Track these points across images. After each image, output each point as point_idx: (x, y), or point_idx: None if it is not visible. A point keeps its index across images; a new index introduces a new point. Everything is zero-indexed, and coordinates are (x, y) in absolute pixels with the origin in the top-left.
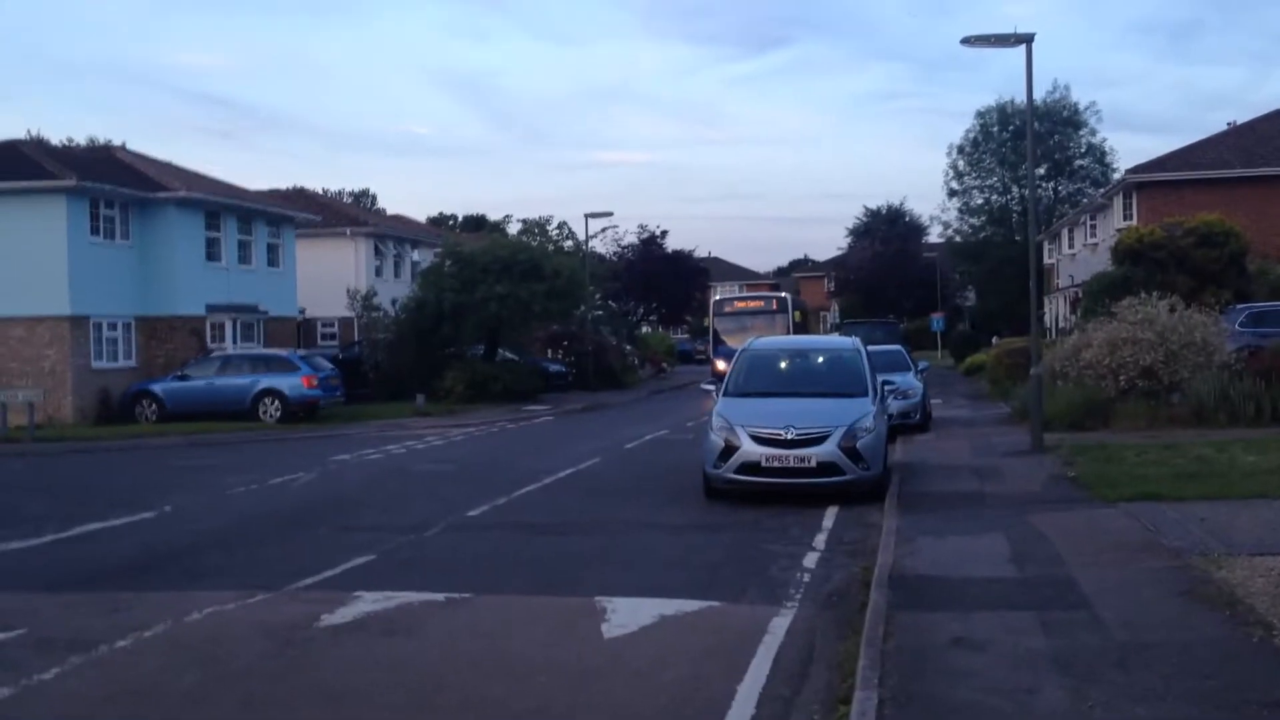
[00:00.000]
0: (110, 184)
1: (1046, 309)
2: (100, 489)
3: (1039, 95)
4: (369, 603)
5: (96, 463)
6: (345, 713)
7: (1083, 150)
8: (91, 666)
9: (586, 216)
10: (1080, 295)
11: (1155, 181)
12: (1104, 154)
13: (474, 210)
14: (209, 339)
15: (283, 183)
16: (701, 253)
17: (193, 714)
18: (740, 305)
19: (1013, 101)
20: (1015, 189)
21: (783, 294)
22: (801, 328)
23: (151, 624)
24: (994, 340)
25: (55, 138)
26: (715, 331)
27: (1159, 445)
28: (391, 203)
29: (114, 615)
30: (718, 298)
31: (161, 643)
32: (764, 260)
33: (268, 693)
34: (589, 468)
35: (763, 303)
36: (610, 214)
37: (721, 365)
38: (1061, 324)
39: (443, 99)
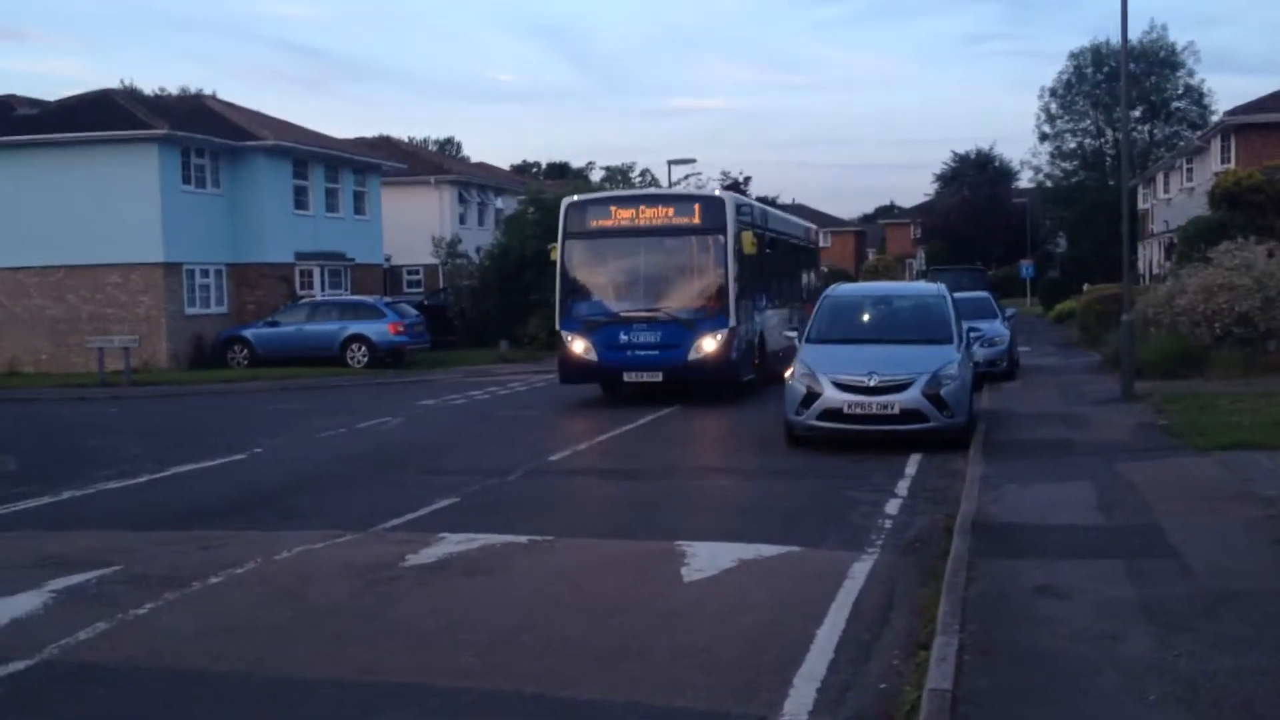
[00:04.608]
0: (201, 133)
1: (1140, 255)
2: (193, 432)
3: (1135, 35)
4: (452, 544)
5: (190, 406)
6: (430, 651)
7: (1180, 92)
8: (185, 602)
9: (669, 163)
10: (1175, 241)
11: (1255, 124)
12: (1202, 95)
13: (557, 158)
14: (298, 286)
15: (369, 131)
16: (785, 199)
17: (282, 649)
18: (621, 217)
19: (1108, 42)
20: (1109, 132)
21: (715, 194)
22: (768, 270)
23: (242, 562)
24: (1085, 287)
25: (147, 87)
26: (565, 272)
27: (1254, 394)
28: (476, 151)
29: (206, 553)
30: (575, 199)
31: (252, 580)
32: (850, 207)
33: (354, 630)
34: (670, 413)
35: (671, 211)
36: (693, 160)
37: (579, 347)
38: (1155, 270)
39: (526, 46)
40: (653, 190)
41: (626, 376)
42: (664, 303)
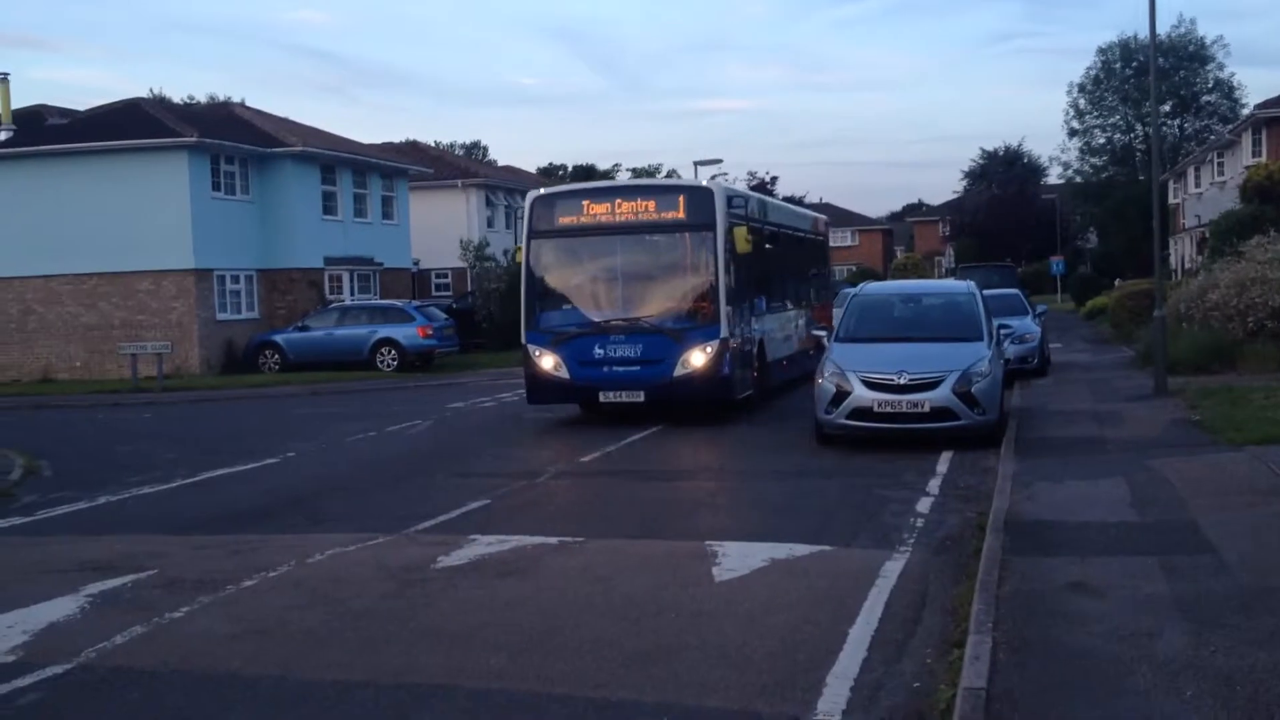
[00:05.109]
0: (230, 140)
1: (1171, 250)
2: (226, 436)
3: (1163, 30)
4: (484, 546)
5: (222, 411)
6: (462, 652)
7: (1209, 86)
8: (219, 605)
9: (695, 164)
10: (1206, 235)
11: None
12: (1232, 89)
13: (583, 160)
14: (327, 290)
15: (394, 137)
16: (813, 199)
17: (316, 652)
18: (595, 213)
19: (1135, 37)
20: (1139, 127)
21: (701, 184)
22: (768, 269)
23: (276, 565)
24: (1116, 283)
25: (175, 96)
26: (531, 277)
27: None
28: (502, 154)
29: (240, 556)
30: (541, 193)
31: (286, 583)
32: (877, 205)
33: (387, 632)
34: (698, 414)
35: (653, 205)
36: (719, 161)
37: (548, 363)
38: (1187, 265)
39: (549, 50)
40: (630, 181)
41: (603, 397)
42: (645, 311)
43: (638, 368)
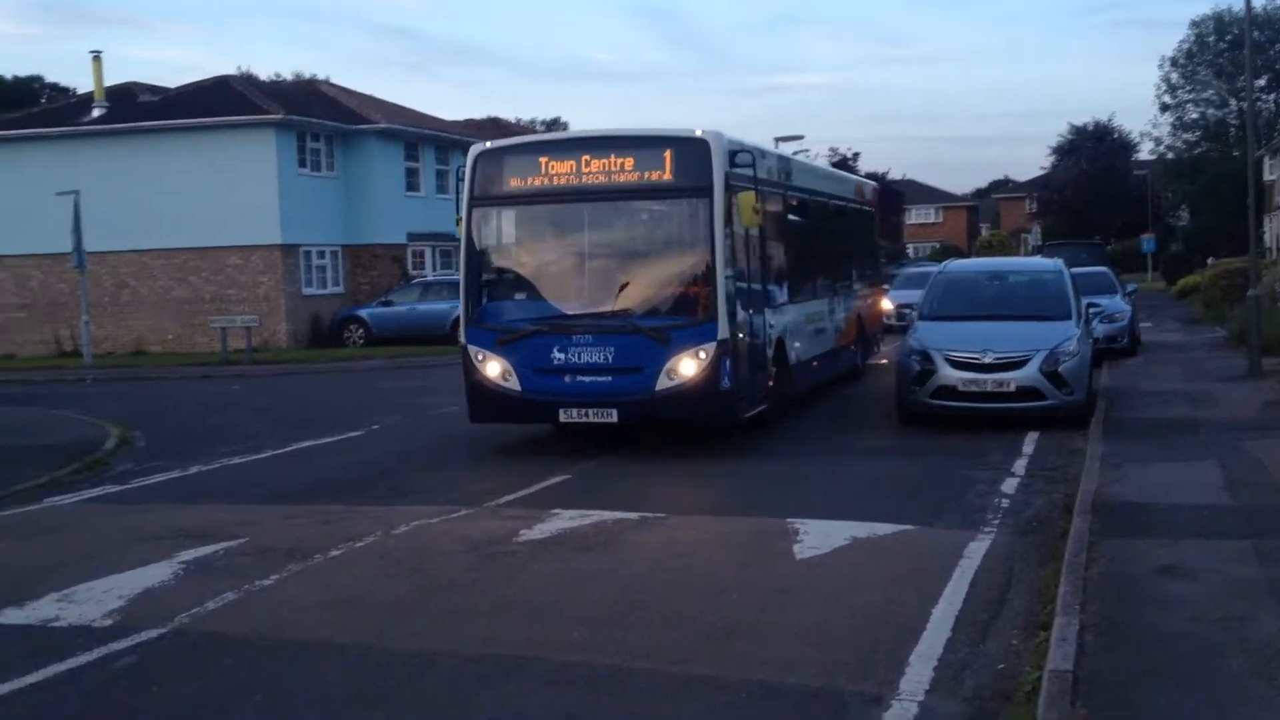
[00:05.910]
0: (315, 117)
1: (1266, 228)
2: (313, 409)
3: (1259, 2)
4: (566, 520)
5: (309, 384)
6: (543, 625)
7: None
8: (308, 574)
9: (776, 140)
10: None
11: None
12: None
13: None
14: (410, 266)
15: (475, 114)
16: (896, 175)
17: (401, 622)
18: (557, 172)
19: (1230, 9)
20: (1233, 102)
21: (695, 134)
22: (792, 247)
23: (362, 535)
24: (1209, 261)
25: (262, 73)
26: (473, 256)
27: None
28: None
29: (328, 526)
30: (487, 146)
31: (371, 554)
32: (962, 182)
33: (471, 603)
34: None
35: (630, 162)
36: (801, 137)
37: (493, 370)
38: None
39: (627, 26)
40: (603, 131)
41: (564, 415)
42: (619, 303)
43: (609, 378)
